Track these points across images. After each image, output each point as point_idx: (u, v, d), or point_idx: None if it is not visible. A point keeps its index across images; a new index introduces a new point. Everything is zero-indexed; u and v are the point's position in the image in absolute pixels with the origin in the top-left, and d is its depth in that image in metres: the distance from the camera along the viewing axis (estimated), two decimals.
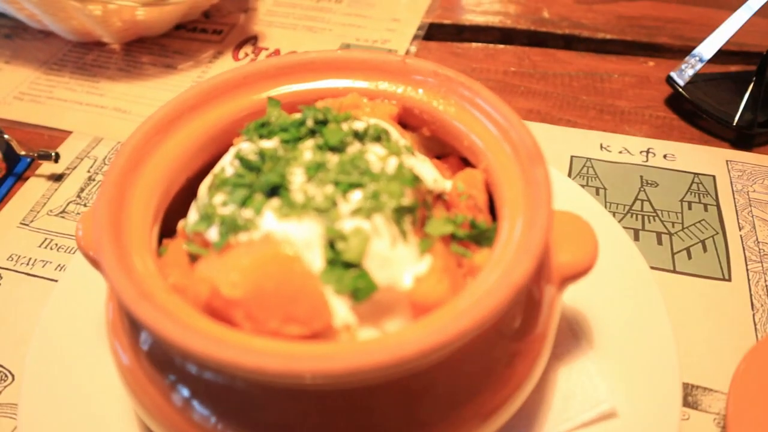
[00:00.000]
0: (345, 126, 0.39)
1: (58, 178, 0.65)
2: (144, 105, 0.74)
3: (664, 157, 0.66)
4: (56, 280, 0.56)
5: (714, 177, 0.64)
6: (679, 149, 0.67)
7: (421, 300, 0.33)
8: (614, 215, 0.60)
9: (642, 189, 0.62)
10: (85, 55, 0.82)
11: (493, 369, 0.35)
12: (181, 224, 0.38)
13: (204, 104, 0.43)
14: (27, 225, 0.61)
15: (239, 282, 0.31)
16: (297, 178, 0.35)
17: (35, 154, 0.64)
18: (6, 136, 0.64)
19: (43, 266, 0.57)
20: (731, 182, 0.63)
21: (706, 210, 0.60)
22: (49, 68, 0.80)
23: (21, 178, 0.65)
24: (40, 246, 0.59)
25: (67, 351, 0.46)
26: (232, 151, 0.40)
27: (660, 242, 0.57)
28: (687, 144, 0.67)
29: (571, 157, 0.66)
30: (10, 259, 0.58)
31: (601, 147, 0.67)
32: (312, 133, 0.39)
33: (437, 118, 0.43)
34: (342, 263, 0.33)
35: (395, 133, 0.41)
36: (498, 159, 0.39)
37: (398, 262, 0.34)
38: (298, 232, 0.33)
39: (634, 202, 0.61)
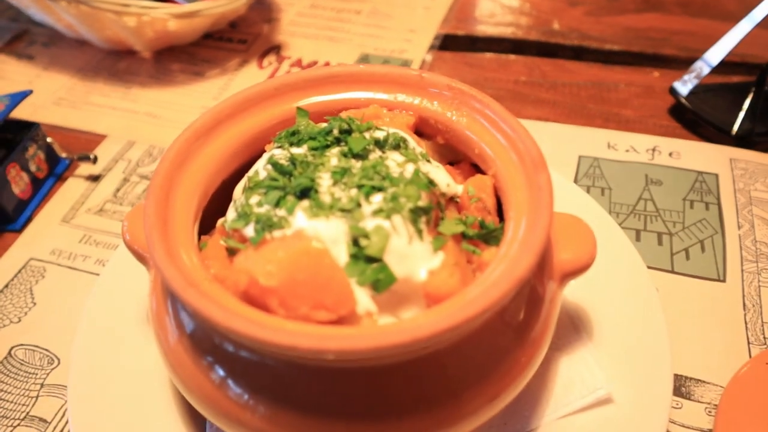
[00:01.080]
0: (367, 135, 0.43)
1: (95, 178, 0.70)
2: (174, 110, 0.79)
3: (670, 155, 0.69)
4: (96, 274, 0.60)
5: (717, 175, 0.67)
6: (684, 147, 0.70)
7: (434, 291, 0.37)
8: (617, 215, 0.63)
9: (646, 188, 0.66)
10: (117, 63, 0.87)
11: (498, 355, 0.39)
12: (220, 222, 0.43)
13: (239, 113, 0.47)
14: (68, 222, 0.66)
15: (275, 272, 0.35)
16: (325, 181, 0.40)
17: (75, 156, 0.69)
18: (49, 139, 0.69)
19: (84, 260, 0.62)
20: (733, 180, 0.66)
21: (707, 209, 0.64)
22: (84, 75, 0.85)
23: (61, 178, 0.70)
24: (80, 242, 0.63)
25: (110, 337, 0.51)
26: (265, 157, 0.44)
27: (660, 242, 0.61)
28: (693, 141, 0.70)
29: (579, 157, 0.69)
30: (53, 253, 0.63)
31: (609, 146, 0.70)
32: (337, 141, 0.43)
33: (450, 128, 0.47)
34: (365, 258, 0.37)
35: (412, 141, 0.45)
36: (505, 166, 0.43)
37: (414, 257, 0.38)
38: (326, 230, 0.37)
39: (637, 202, 0.65)
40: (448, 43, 0.89)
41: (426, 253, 0.38)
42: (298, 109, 0.47)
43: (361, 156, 0.41)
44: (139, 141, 0.75)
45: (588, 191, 0.66)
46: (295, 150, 0.42)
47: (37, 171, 0.68)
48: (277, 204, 0.39)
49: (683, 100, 0.73)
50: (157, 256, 0.37)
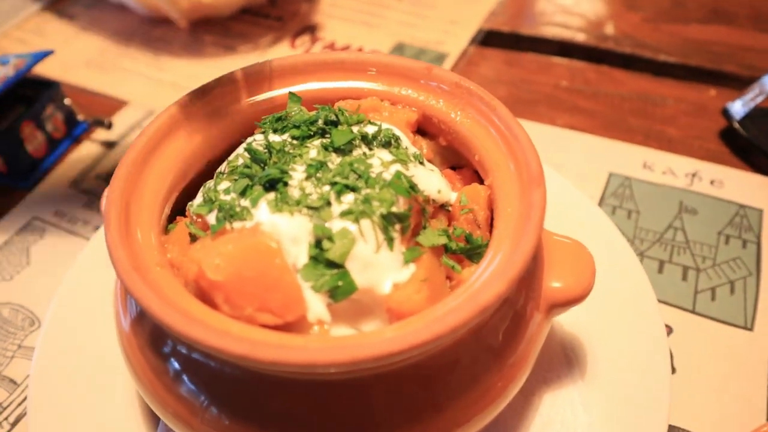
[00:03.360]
0: (356, 129, 0.40)
1: (110, 145, 0.69)
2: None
3: (711, 182, 0.63)
4: None
5: (761, 211, 0.60)
6: (729, 175, 0.63)
7: (396, 307, 0.34)
8: (642, 242, 0.58)
9: (679, 216, 0.60)
10: (152, 30, 0.86)
11: (469, 379, 0.35)
12: (189, 205, 0.40)
13: (233, 92, 0.45)
14: (76, 186, 0.65)
15: (222, 266, 0.32)
16: (297, 174, 0.37)
17: (91, 120, 0.68)
18: (67, 101, 0.69)
19: (84, 226, 0.61)
20: None
21: (744, 247, 0.57)
22: (119, 39, 0.85)
23: (77, 140, 0.70)
24: (84, 206, 0.63)
25: (84, 308, 0.50)
26: (248, 140, 0.41)
27: (685, 278, 0.55)
28: (739, 171, 0.64)
29: (610, 174, 0.64)
30: (56, 215, 0.62)
31: (644, 165, 0.65)
32: (322, 132, 0.40)
33: (453, 130, 0.43)
34: (325, 261, 0.34)
35: (406, 140, 0.42)
36: (502, 176, 0.39)
37: (380, 267, 0.35)
38: (287, 226, 0.34)
39: (666, 230, 0.59)
40: (490, 39, 0.84)
41: (394, 263, 0.35)
42: (290, 94, 0.44)
43: (342, 151, 0.38)
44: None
45: (613, 212, 0.60)
46: (274, 137, 0.40)
47: (53, 131, 0.68)
48: (243, 193, 0.36)
49: (736, 124, 0.66)
50: (108, 234, 0.35)
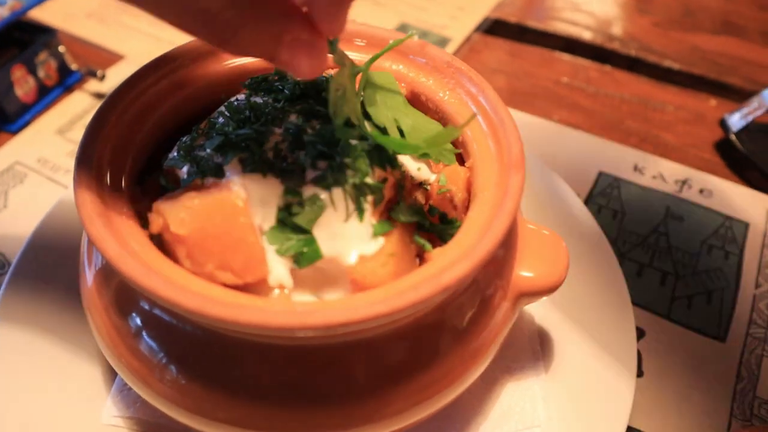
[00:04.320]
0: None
1: (101, 97, 0.69)
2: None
3: (701, 191, 0.62)
4: None
5: (748, 224, 0.60)
6: (719, 186, 0.63)
7: (360, 279, 0.34)
8: (624, 243, 0.58)
9: (664, 221, 0.60)
10: None
11: (429, 358, 0.35)
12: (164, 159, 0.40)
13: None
14: (62, 134, 0.65)
15: (187, 221, 0.32)
16: (275, 137, 0.36)
17: (84, 70, 0.68)
18: (61, 49, 0.68)
19: (65, 174, 0.61)
20: (766, 233, 0.59)
21: (726, 258, 0.57)
22: None
23: (69, 89, 0.69)
24: (67, 155, 0.62)
25: (53, 255, 0.49)
26: (231, 99, 0.41)
27: (663, 283, 0.55)
28: (730, 183, 0.63)
29: (599, 172, 0.64)
30: (39, 161, 0.62)
31: (635, 168, 0.64)
32: (304, 96, 0.39)
33: (440, 109, 0.43)
34: (292, 226, 0.33)
35: None
36: (482, 159, 0.39)
37: (348, 237, 0.34)
38: (257, 187, 0.34)
39: (650, 234, 0.59)
40: (496, 28, 0.83)
41: (363, 235, 0.35)
42: None
43: (324, 117, 0.38)
44: None
45: (599, 211, 0.60)
46: (256, 99, 0.39)
47: (45, 78, 0.67)
48: (218, 150, 0.36)
49: (732, 136, 0.66)
50: (75, 176, 0.34)
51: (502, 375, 0.44)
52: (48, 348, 0.44)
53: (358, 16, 0.81)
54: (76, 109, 0.67)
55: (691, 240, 0.58)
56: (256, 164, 0.34)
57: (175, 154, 0.38)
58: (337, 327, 0.28)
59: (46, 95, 0.68)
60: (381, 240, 0.35)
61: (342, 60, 0.37)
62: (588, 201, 0.61)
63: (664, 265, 0.56)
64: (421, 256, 0.38)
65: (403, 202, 0.38)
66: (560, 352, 0.46)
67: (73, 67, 0.68)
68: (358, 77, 0.40)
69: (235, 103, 0.39)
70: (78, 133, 0.65)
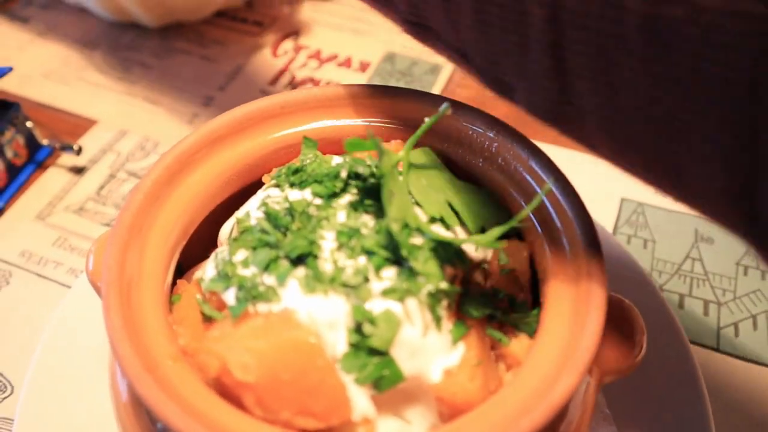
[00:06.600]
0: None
1: (79, 170, 0.63)
2: (174, 98, 0.71)
3: None
4: (67, 285, 0.54)
5: None
6: None
7: (449, 397, 0.30)
8: (660, 275, 0.56)
9: (695, 245, 0.58)
10: (120, 36, 0.79)
11: None
12: (198, 275, 0.35)
13: (235, 134, 0.40)
14: (42, 219, 0.59)
15: (253, 366, 0.28)
16: (327, 243, 0.32)
17: (57, 145, 0.62)
18: (29, 124, 0.62)
19: (55, 268, 0.55)
20: None
21: (763, 278, 0.56)
22: (82, 47, 0.77)
23: (41, 166, 0.63)
24: (53, 244, 0.57)
25: (69, 372, 0.44)
26: (259, 196, 0.37)
27: (707, 313, 0.53)
28: None
29: (621, 199, 0.62)
30: (23, 255, 0.56)
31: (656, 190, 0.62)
32: (346, 186, 0.35)
33: (483, 179, 0.39)
34: (367, 349, 0.30)
35: None
36: (548, 235, 0.36)
37: (429, 351, 0.31)
38: (322, 310, 0.30)
39: (684, 261, 0.57)
40: None
41: (443, 346, 0.31)
42: (305, 138, 0.39)
43: (376, 212, 0.34)
44: (132, 130, 0.67)
45: (628, 241, 0.58)
46: (294, 195, 0.35)
47: (14, 157, 0.61)
48: (267, 268, 0.32)
49: None
50: (108, 320, 0.30)
51: None
52: None
53: (341, 47, 0.77)
54: (54, 189, 0.61)
55: (726, 263, 0.56)
56: (315, 282, 0.30)
57: (213, 272, 0.33)
58: None
59: (17, 176, 0.62)
60: (461, 346, 0.32)
61: (385, 154, 0.33)
62: (615, 232, 0.59)
63: (703, 293, 0.55)
64: (494, 348, 0.35)
65: (470, 292, 0.35)
66: (630, 410, 0.43)
67: (44, 142, 0.62)
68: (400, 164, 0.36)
69: (269, 201, 0.35)
70: (60, 217, 0.59)
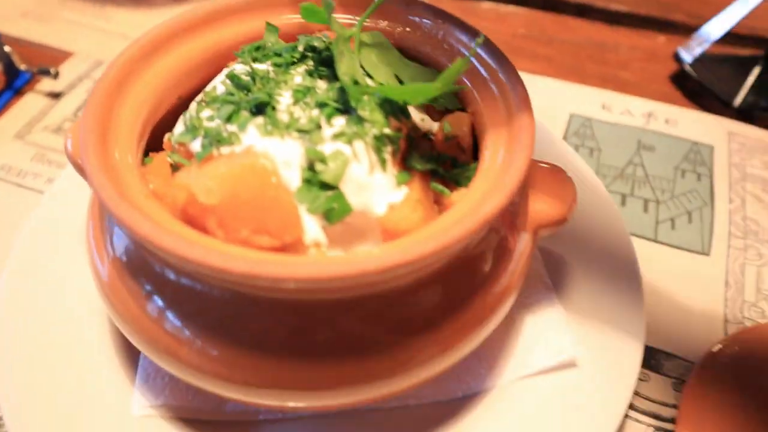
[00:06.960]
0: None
1: (56, 96, 0.65)
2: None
3: (666, 121, 0.66)
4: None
5: (712, 147, 0.63)
6: (682, 115, 0.66)
7: (392, 226, 0.34)
8: (604, 177, 0.60)
9: (637, 153, 0.62)
10: None
11: (458, 303, 0.36)
12: (167, 137, 0.39)
13: (204, 25, 0.43)
14: (21, 138, 0.61)
15: (215, 189, 0.31)
16: (284, 99, 0.36)
17: (35, 69, 0.64)
18: (7, 48, 0.64)
19: (34, 178, 0.58)
20: (729, 154, 0.63)
21: (699, 179, 0.60)
22: None
23: (19, 92, 0.66)
24: (32, 159, 0.59)
25: (46, 261, 0.47)
26: (224, 71, 0.40)
27: (646, 210, 0.58)
28: (691, 110, 0.67)
29: (571, 114, 0.66)
30: (2, 168, 0.58)
31: (603, 107, 0.67)
32: (303, 58, 0.39)
33: (432, 60, 0.43)
34: (319, 184, 0.33)
35: None
36: (485, 103, 0.39)
37: (374, 188, 0.34)
38: (279, 150, 0.33)
39: (627, 166, 0.61)
40: None
41: (388, 185, 0.35)
42: (268, 24, 0.42)
43: (328, 77, 0.38)
44: (108, 60, 0.69)
45: (576, 150, 0.62)
46: (257, 66, 0.38)
47: None
48: (229, 119, 0.35)
49: (687, 67, 0.69)
50: (88, 163, 0.33)
51: (519, 311, 0.46)
52: (60, 349, 0.43)
53: None
54: (33, 111, 0.64)
55: (665, 167, 0.61)
56: (273, 127, 0.34)
57: (182, 128, 0.37)
58: (396, 268, 0.28)
59: None
60: (405, 188, 0.35)
61: (336, 26, 0.37)
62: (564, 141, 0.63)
63: (644, 193, 0.59)
64: (438, 203, 0.39)
65: (415, 151, 0.39)
66: (571, 282, 0.47)
67: (22, 67, 0.65)
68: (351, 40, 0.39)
69: (236, 71, 0.38)
70: (38, 136, 0.62)
